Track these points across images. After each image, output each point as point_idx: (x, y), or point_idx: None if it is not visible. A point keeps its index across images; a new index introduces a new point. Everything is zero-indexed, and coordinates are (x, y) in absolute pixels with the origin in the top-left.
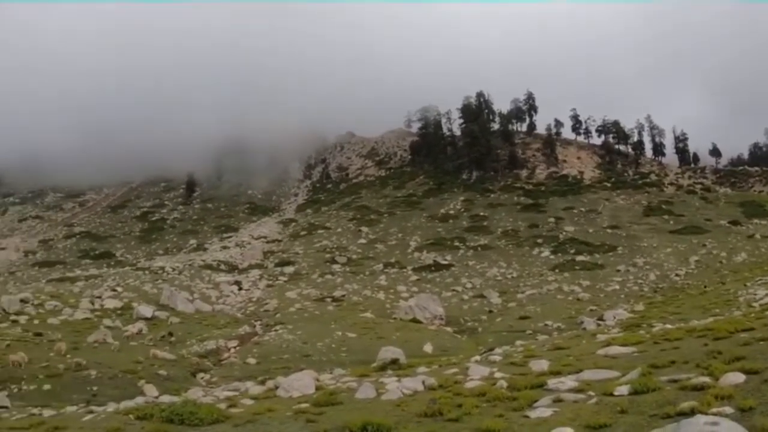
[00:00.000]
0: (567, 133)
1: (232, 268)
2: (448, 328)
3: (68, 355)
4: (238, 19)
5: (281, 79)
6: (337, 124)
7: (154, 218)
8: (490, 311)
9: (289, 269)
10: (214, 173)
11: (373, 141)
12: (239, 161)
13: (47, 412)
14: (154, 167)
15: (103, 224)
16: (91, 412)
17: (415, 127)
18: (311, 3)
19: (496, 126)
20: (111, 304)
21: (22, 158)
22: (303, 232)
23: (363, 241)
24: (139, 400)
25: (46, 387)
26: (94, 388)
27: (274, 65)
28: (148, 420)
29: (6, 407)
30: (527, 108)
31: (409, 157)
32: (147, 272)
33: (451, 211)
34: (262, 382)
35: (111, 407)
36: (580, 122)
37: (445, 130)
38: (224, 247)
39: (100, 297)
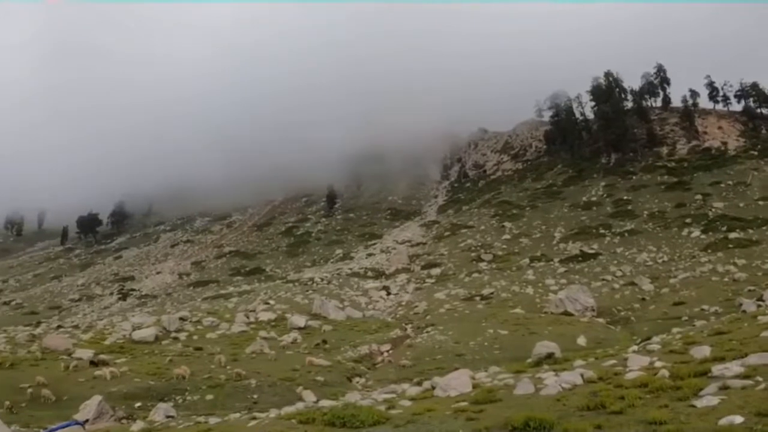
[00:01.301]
0: (704, 102)
1: (379, 274)
2: (601, 320)
3: (228, 367)
4: (360, 26)
5: (408, 82)
6: (467, 121)
7: (299, 232)
8: (643, 299)
9: (436, 271)
10: (352, 183)
11: (506, 135)
12: (376, 168)
13: (212, 420)
14: (295, 183)
15: (250, 242)
16: (254, 418)
17: (547, 115)
18: (428, 3)
19: (629, 104)
20: (265, 316)
21: (169, 188)
22: (446, 233)
23: (507, 236)
24: (300, 405)
25: (209, 397)
26: (255, 396)
27: (398, 68)
28: (311, 424)
29: (173, 417)
30: (659, 81)
31: (545, 146)
32: (297, 284)
33: (594, 198)
34: (419, 383)
35: (273, 413)
36: (716, 89)
37: (577, 114)
38: (370, 254)
39: (254, 310)
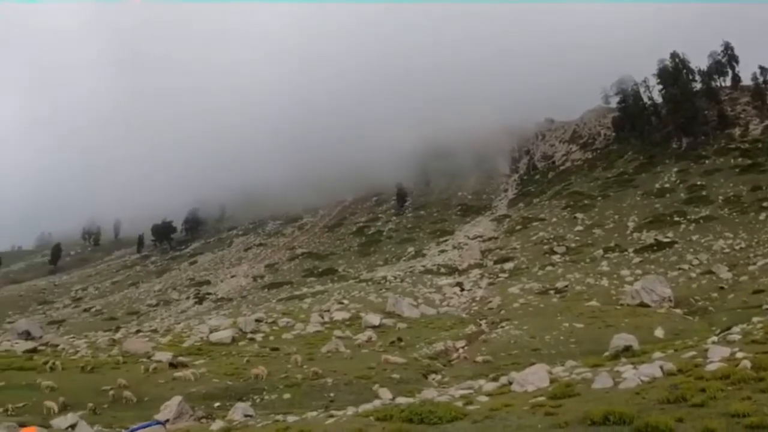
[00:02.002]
0: None
1: (452, 271)
2: (678, 310)
3: (304, 366)
4: (415, 20)
5: (469, 75)
6: (534, 112)
7: (370, 232)
8: (721, 287)
9: (509, 265)
10: (421, 180)
11: (573, 124)
12: (444, 164)
13: (290, 418)
14: (364, 183)
15: (322, 243)
16: (332, 416)
17: (614, 101)
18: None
19: (697, 85)
20: (339, 316)
21: (240, 193)
22: (518, 227)
23: (579, 227)
24: (377, 403)
25: (286, 396)
26: (331, 395)
27: (462, 62)
28: (389, 421)
29: (251, 416)
30: (727, 60)
31: (613, 134)
32: (370, 283)
33: (666, 185)
34: (495, 379)
35: (350, 411)
36: None
37: (645, 99)
38: (442, 251)
39: (328, 310)
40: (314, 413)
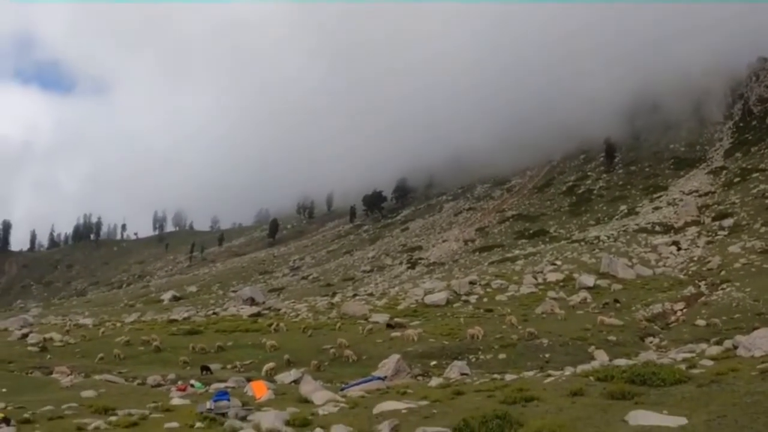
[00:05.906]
0: None
1: (667, 229)
2: None
3: (519, 327)
4: None
5: (677, 21)
6: (744, 52)
7: (580, 191)
8: None
9: (728, 222)
10: (630, 134)
11: None
12: (653, 116)
13: (508, 376)
14: (571, 141)
15: (532, 204)
16: (549, 375)
17: None
18: None
19: None
20: (552, 277)
21: (447, 158)
22: (736, 179)
23: None
24: (595, 363)
25: (501, 356)
26: (546, 355)
27: (667, 8)
28: (609, 381)
29: (467, 374)
30: None
31: None
32: (582, 243)
33: None
34: (718, 343)
35: (568, 371)
36: None
37: None
38: (656, 208)
39: (541, 272)
40: (530, 373)
